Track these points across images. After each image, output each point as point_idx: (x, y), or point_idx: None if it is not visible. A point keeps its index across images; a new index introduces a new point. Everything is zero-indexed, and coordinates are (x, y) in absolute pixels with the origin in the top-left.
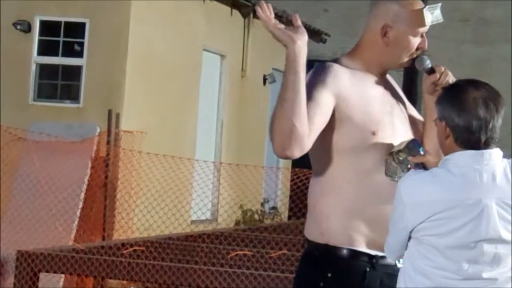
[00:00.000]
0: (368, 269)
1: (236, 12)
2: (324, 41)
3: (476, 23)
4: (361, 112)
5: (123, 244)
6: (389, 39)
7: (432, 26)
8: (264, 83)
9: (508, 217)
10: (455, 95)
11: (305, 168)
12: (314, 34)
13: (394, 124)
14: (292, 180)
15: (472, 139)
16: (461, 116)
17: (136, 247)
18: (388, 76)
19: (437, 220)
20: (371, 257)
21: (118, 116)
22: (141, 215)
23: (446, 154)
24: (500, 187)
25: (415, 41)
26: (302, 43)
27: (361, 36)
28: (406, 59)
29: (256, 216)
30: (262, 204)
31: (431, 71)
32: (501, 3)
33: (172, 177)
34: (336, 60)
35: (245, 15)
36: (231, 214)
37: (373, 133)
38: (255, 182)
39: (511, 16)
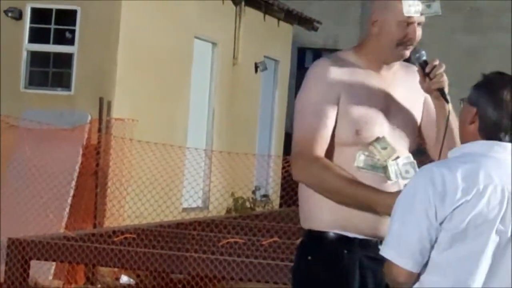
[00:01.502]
0: (346, 251)
1: (227, 1)
2: (316, 29)
3: (468, 11)
4: (352, 111)
5: (114, 232)
6: (377, 31)
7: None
8: (256, 71)
9: None
10: (496, 88)
11: None
12: (306, 22)
13: (385, 125)
14: (283, 168)
15: (497, 135)
16: (496, 111)
17: (127, 235)
18: (403, 71)
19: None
20: (349, 239)
21: (109, 104)
22: (132, 203)
23: (465, 138)
24: None
25: (400, 31)
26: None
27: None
28: (397, 50)
29: (247, 204)
30: (254, 192)
31: (424, 64)
32: None
33: (163, 164)
34: (336, 55)
35: (236, 3)
36: (222, 201)
37: (357, 132)
38: (246, 170)
39: (503, 5)
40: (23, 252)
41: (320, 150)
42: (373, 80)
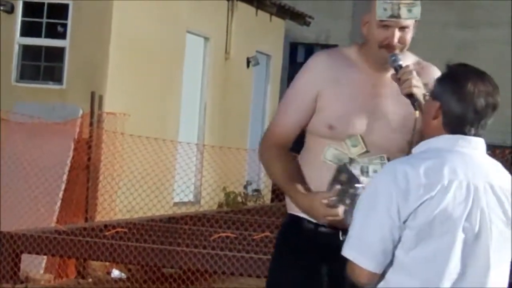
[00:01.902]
0: (301, 236)
1: None
2: (308, 24)
3: (461, 6)
4: (328, 106)
5: (105, 226)
6: (365, 32)
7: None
8: (248, 65)
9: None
10: (460, 81)
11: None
12: (298, 17)
13: (368, 125)
14: None
15: (462, 128)
16: (460, 104)
17: (118, 229)
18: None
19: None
20: (312, 224)
21: (101, 98)
22: (124, 197)
23: (429, 133)
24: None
25: (380, 34)
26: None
27: None
28: (381, 52)
29: (239, 199)
30: (245, 187)
31: (399, 68)
32: None
33: (155, 159)
34: (339, 49)
35: None
36: (214, 196)
37: (330, 127)
38: (238, 164)
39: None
40: (14, 245)
41: (281, 138)
42: (367, 79)
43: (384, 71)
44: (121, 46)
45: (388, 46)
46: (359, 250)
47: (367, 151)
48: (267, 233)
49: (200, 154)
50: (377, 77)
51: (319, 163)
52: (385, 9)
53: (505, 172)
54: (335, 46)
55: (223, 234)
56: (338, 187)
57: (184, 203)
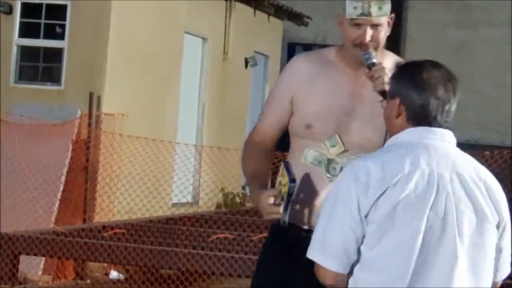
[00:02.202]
0: (279, 234)
1: None
2: (306, 25)
3: (459, 6)
4: (305, 106)
5: (104, 227)
6: (340, 31)
7: (415, 10)
8: (246, 66)
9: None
10: (414, 72)
11: (286, 151)
12: (296, 18)
13: (340, 125)
14: (273, 164)
15: (427, 118)
16: (420, 94)
17: (117, 230)
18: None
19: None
20: (301, 229)
21: (99, 98)
22: (122, 198)
23: (394, 134)
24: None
25: (353, 32)
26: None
27: None
28: (355, 51)
29: (237, 199)
30: (243, 187)
31: (372, 65)
32: None
33: (153, 160)
34: (319, 50)
35: None
36: (212, 197)
37: (307, 126)
38: (236, 165)
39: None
40: (12, 247)
41: (261, 136)
42: (345, 79)
43: (362, 71)
44: (119, 47)
45: (361, 45)
46: (322, 251)
47: (345, 151)
48: (266, 234)
49: (198, 155)
50: (356, 76)
51: (300, 165)
52: (355, 8)
53: (478, 165)
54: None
55: (222, 235)
56: (284, 188)
57: (183, 204)
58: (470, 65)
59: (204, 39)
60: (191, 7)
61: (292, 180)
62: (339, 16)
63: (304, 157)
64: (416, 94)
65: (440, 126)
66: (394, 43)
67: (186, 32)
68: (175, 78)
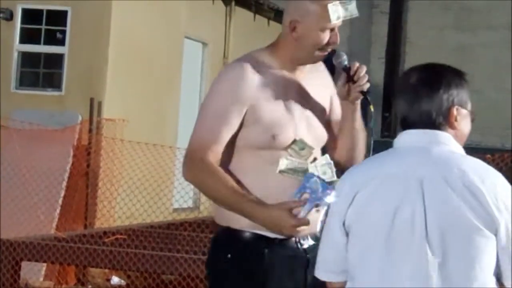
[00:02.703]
0: (266, 251)
1: (218, 0)
2: None
3: (457, 9)
4: (266, 116)
5: (105, 233)
6: (298, 34)
7: (414, 12)
8: None
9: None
10: (403, 78)
11: None
12: None
13: (300, 126)
14: None
15: (404, 122)
16: (401, 99)
17: (118, 236)
18: (314, 69)
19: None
20: (270, 240)
21: (100, 104)
22: (123, 204)
23: None
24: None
25: (324, 36)
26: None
27: (280, 33)
28: (317, 54)
29: None
30: None
31: (346, 68)
32: None
33: (154, 165)
34: (251, 56)
35: (226, 3)
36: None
37: (273, 137)
38: None
39: (493, 3)
40: (13, 253)
41: (213, 155)
42: (288, 82)
43: (301, 70)
44: (119, 52)
45: (329, 47)
46: (323, 268)
47: (312, 148)
48: None
49: None
50: (296, 77)
51: (269, 177)
52: (335, 12)
53: (472, 165)
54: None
55: None
56: (306, 194)
57: (184, 209)
58: (469, 68)
59: (204, 44)
60: (191, 12)
61: (326, 186)
62: (300, 18)
63: (280, 167)
64: (399, 101)
65: (417, 127)
66: (393, 46)
67: (186, 37)
68: (175, 83)
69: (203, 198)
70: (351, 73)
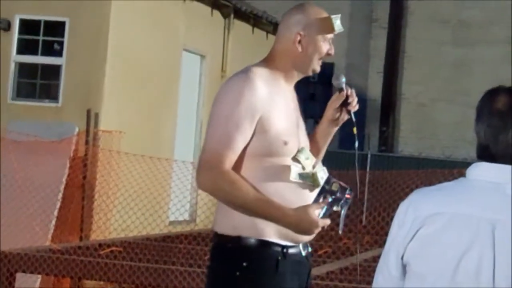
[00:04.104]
0: (280, 258)
1: (216, 13)
2: None
3: (455, 24)
4: (277, 124)
5: (100, 245)
6: (303, 46)
7: (413, 27)
8: None
9: None
10: (482, 99)
11: None
12: None
13: (299, 134)
14: None
15: (483, 151)
16: (477, 123)
17: (113, 248)
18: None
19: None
20: (281, 247)
21: (97, 115)
22: (119, 216)
23: None
24: None
25: (325, 46)
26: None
27: (272, 47)
28: (317, 63)
29: None
30: None
31: (342, 90)
32: (479, 5)
33: (150, 177)
34: (251, 69)
35: (225, 16)
36: (209, 215)
37: (285, 143)
38: None
39: (491, 18)
40: (8, 264)
41: (229, 163)
42: (286, 93)
43: (290, 84)
44: (117, 64)
45: (326, 57)
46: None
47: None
48: None
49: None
50: (289, 90)
51: (285, 184)
52: (338, 22)
53: None
54: (331, 63)
55: None
56: (328, 197)
57: (180, 222)
58: (467, 83)
59: (202, 56)
60: (189, 24)
61: (349, 188)
62: (305, 30)
63: (291, 175)
64: (475, 123)
65: (495, 159)
66: (392, 61)
67: (185, 49)
68: (173, 95)
69: (199, 211)
70: (350, 98)
